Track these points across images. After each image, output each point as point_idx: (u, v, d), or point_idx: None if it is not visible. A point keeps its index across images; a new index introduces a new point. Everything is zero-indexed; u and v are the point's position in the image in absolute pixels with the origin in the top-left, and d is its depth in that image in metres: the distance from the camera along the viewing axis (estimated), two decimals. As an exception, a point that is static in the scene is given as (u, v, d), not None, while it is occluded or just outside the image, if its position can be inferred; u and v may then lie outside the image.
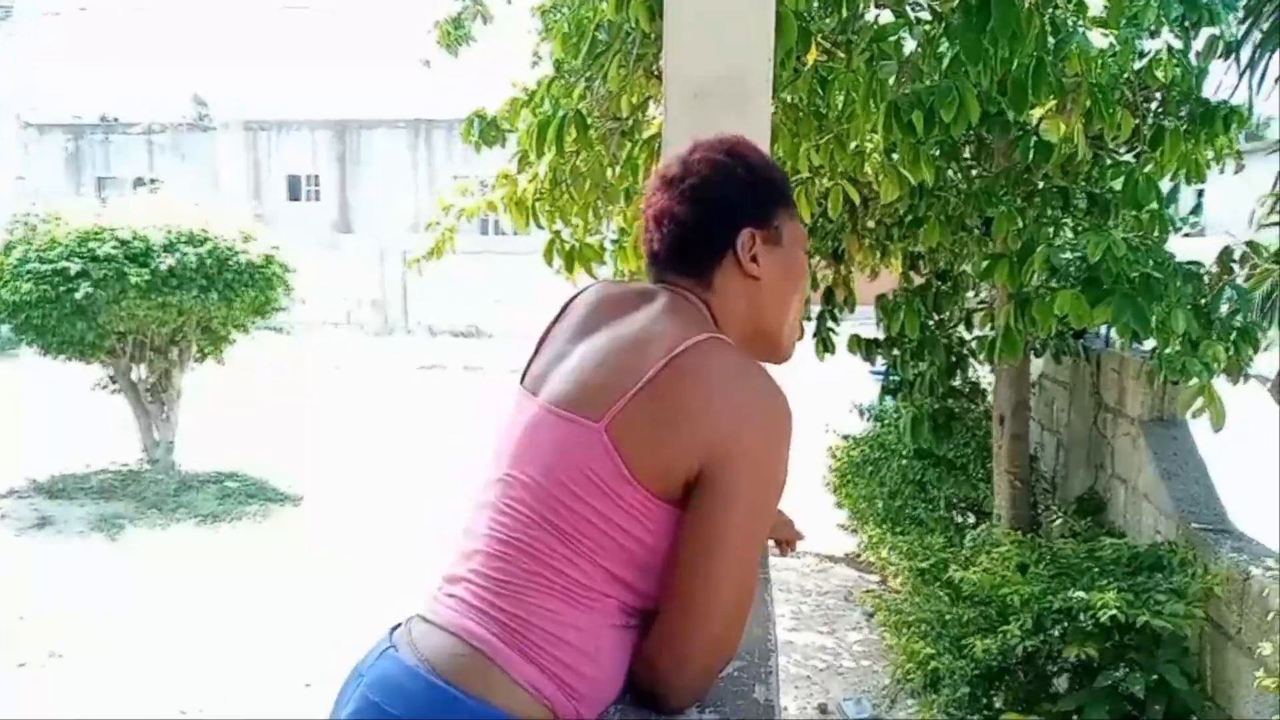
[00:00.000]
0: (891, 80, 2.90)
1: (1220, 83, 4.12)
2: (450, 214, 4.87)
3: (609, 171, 3.58)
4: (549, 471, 1.20)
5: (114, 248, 7.80)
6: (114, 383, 8.61)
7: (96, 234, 7.88)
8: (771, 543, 2.00)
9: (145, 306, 7.89)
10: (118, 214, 8.37)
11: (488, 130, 3.85)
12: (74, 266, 7.64)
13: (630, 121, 3.31)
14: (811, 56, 3.35)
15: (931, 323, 4.88)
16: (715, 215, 1.31)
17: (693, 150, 1.36)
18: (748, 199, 1.32)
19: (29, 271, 7.64)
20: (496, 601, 1.18)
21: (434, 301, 18.84)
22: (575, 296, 1.42)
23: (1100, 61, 2.93)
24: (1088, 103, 3.00)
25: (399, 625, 1.27)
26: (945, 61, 2.94)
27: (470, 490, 1.34)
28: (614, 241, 4.20)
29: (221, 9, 23.02)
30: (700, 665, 1.20)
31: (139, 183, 16.78)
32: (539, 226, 3.76)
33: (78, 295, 7.60)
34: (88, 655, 5.00)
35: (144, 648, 5.07)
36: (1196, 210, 4.33)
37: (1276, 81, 4.01)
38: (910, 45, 3.11)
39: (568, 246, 3.74)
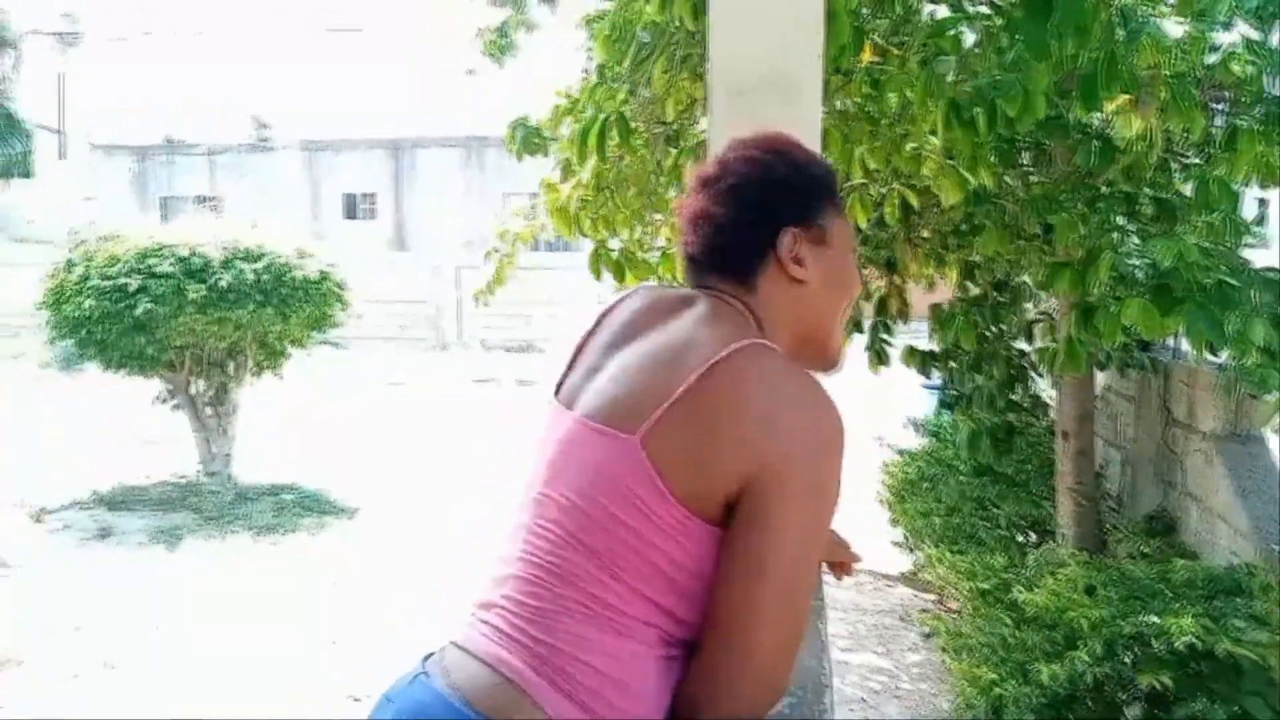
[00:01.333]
0: (950, 77, 2.78)
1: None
2: (507, 240, 4.85)
3: (655, 178, 3.51)
4: (583, 489, 1.14)
5: (172, 264, 7.93)
6: (173, 396, 8.74)
7: (156, 251, 8.01)
8: (825, 566, 1.90)
9: (203, 321, 8.00)
10: (176, 232, 8.51)
11: (530, 138, 3.81)
12: (134, 283, 7.78)
13: (676, 126, 3.24)
14: (866, 57, 3.25)
15: (990, 334, 4.72)
16: (755, 215, 1.25)
17: (730, 148, 1.30)
18: (790, 197, 1.27)
19: (90, 288, 7.79)
20: (529, 629, 1.13)
21: (487, 317, 18.96)
22: (613, 305, 1.35)
23: (1177, 52, 2.78)
24: (1164, 96, 2.84)
25: (432, 654, 1.23)
26: (1007, 57, 2.82)
27: (507, 510, 1.28)
28: (661, 251, 4.13)
29: (279, 33, 23.53)
30: (745, 705, 1.11)
31: (200, 201, 17.14)
32: (583, 235, 3.70)
33: (137, 311, 7.73)
34: (140, 666, 5.02)
35: (195, 659, 5.08)
36: (1261, 220, 4.13)
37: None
38: (969, 41, 2.99)
39: (614, 257, 3.67)
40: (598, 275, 3.67)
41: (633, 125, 3.06)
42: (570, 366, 1.30)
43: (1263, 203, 4.38)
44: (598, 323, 1.33)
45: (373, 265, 18.63)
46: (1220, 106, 4.19)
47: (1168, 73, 2.80)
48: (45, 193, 23.19)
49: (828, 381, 1.34)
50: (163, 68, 23.87)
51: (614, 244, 3.87)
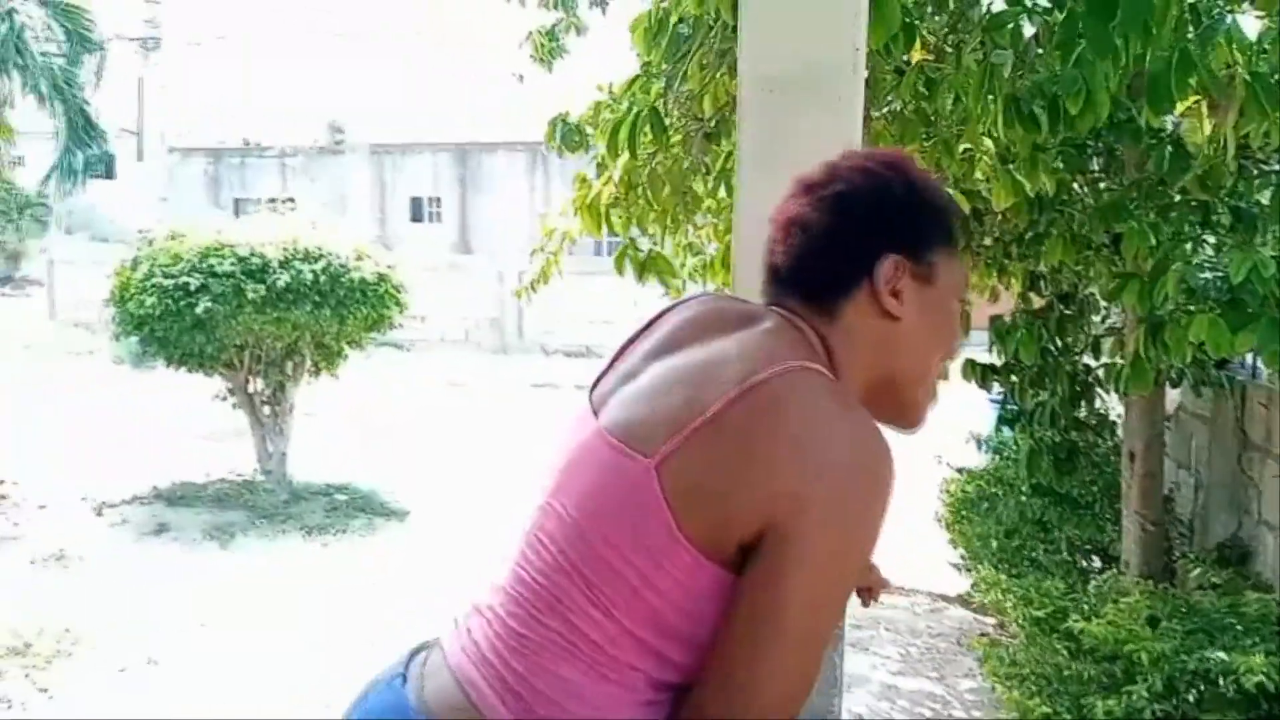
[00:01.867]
0: (1007, 72, 2.62)
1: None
2: (555, 238, 4.79)
3: (691, 178, 3.40)
4: (586, 508, 1.04)
5: (232, 264, 8.04)
6: (232, 395, 8.87)
7: (216, 250, 8.14)
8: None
9: (261, 321, 8.10)
10: (238, 231, 8.64)
11: (570, 135, 3.73)
12: (194, 282, 7.90)
13: (714, 123, 3.12)
14: (917, 55, 3.10)
15: (1053, 348, 4.51)
16: (857, 231, 1.12)
17: (845, 156, 1.19)
18: (901, 221, 1.12)
19: (153, 286, 7.94)
20: (509, 658, 1.05)
21: (548, 321, 19.01)
22: (669, 309, 1.22)
23: (1256, 51, 2.58)
24: (1243, 97, 2.64)
25: (421, 648, 1.19)
26: (1069, 53, 2.65)
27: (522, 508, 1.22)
28: (694, 253, 4.02)
29: (348, 36, 23.95)
30: None
31: (271, 203, 17.50)
32: (612, 234, 3.60)
33: (198, 309, 7.85)
34: (181, 663, 5.06)
35: (238, 657, 5.10)
36: None
37: None
38: (1028, 33, 2.82)
39: (639, 256, 3.55)
40: (620, 272, 3.56)
41: (667, 122, 2.95)
42: (609, 368, 1.21)
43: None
44: (648, 325, 1.21)
45: (438, 269, 18.81)
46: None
47: (1245, 73, 2.60)
48: (124, 194, 23.94)
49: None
50: (237, 72, 24.46)
51: (645, 243, 3.76)
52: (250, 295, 7.94)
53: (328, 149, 24.54)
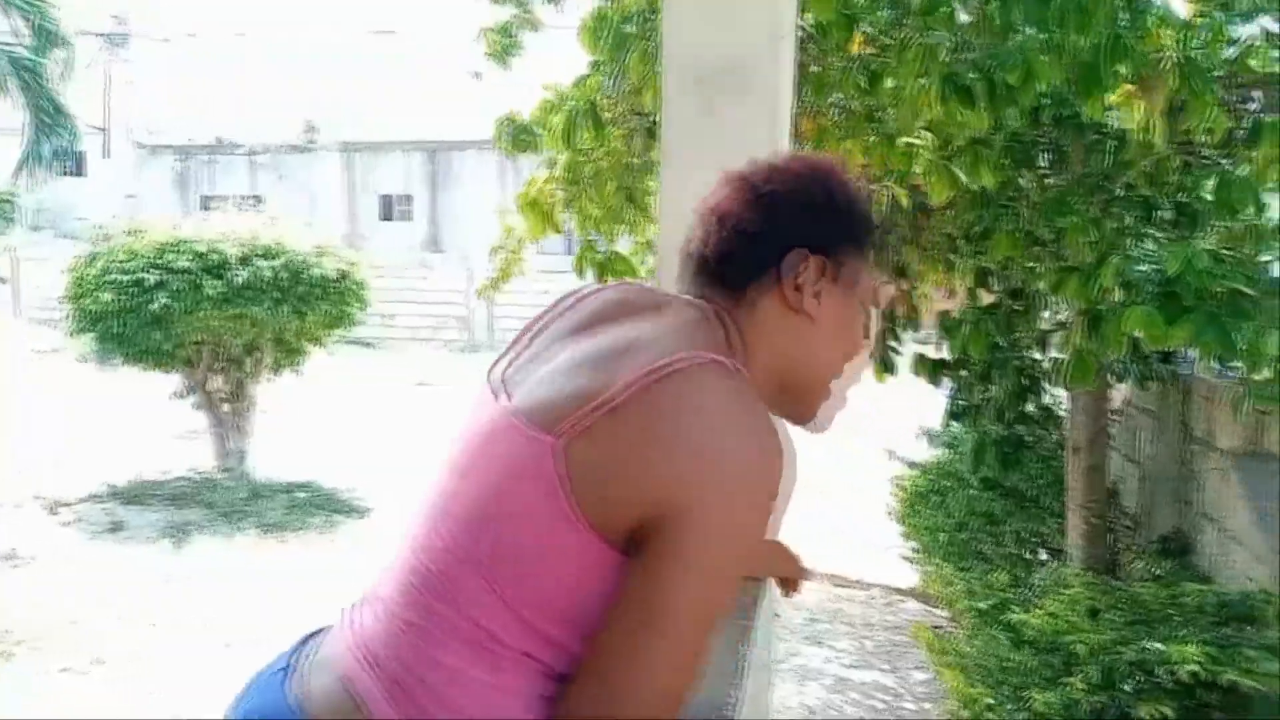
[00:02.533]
0: (943, 55, 2.62)
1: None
2: (513, 236, 4.77)
3: (641, 176, 3.40)
4: (484, 489, 1.02)
5: (190, 260, 7.96)
6: (190, 393, 8.78)
7: (174, 246, 8.06)
8: (774, 582, 1.78)
9: (219, 318, 8.03)
10: (197, 228, 8.56)
11: (519, 135, 3.71)
12: (151, 278, 7.82)
13: (655, 118, 3.12)
14: (855, 46, 3.11)
15: (1002, 344, 4.54)
16: (782, 229, 1.13)
17: (776, 157, 1.22)
18: (825, 223, 1.15)
19: (109, 282, 7.85)
20: (397, 649, 1.02)
21: (517, 320, 18.93)
22: (583, 294, 1.20)
23: (1187, 35, 2.60)
24: (1172, 83, 2.65)
25: (319, 631, 1.17)
26: (1008, 32, 2.66)
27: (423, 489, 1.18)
28: (653, 251, 4.00)
29: (320, 34, 23.78)
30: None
31: (240, 201, 17.33)
32: (555, 231, 3.59)
33: (154, 306, 7.77)
34: (130, 662, 5.00)
35: (186, 656, 5.05)
36: None
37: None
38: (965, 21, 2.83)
39: (598, 257, 3.55)
40: (580, 274, 3.56)
41: (606, 116, 2.94)
42: (512, 350, 1.17)
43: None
44: (555, 308, 1.19)
45: (408, 267, 18.71)
46: (1252, 107, 3.99)
47: (1176, 56, 2.61)
48: (92, 191, 23.66)
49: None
50: (206, 69, 24.23)
51: (602, 244, 3.76)
52: (208, 291, 7.87)
53: (298, 147, 24.36)
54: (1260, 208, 3.67)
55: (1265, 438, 3.97)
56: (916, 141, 3.29)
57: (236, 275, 7.97)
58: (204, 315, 7.96)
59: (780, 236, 1.13)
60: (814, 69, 3.55)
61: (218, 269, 8.04)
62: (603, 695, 0.96)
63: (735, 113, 2.07)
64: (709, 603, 0.98)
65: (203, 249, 8.05)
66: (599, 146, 3.16)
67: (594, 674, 0.97)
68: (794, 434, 1.34)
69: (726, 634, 1.51)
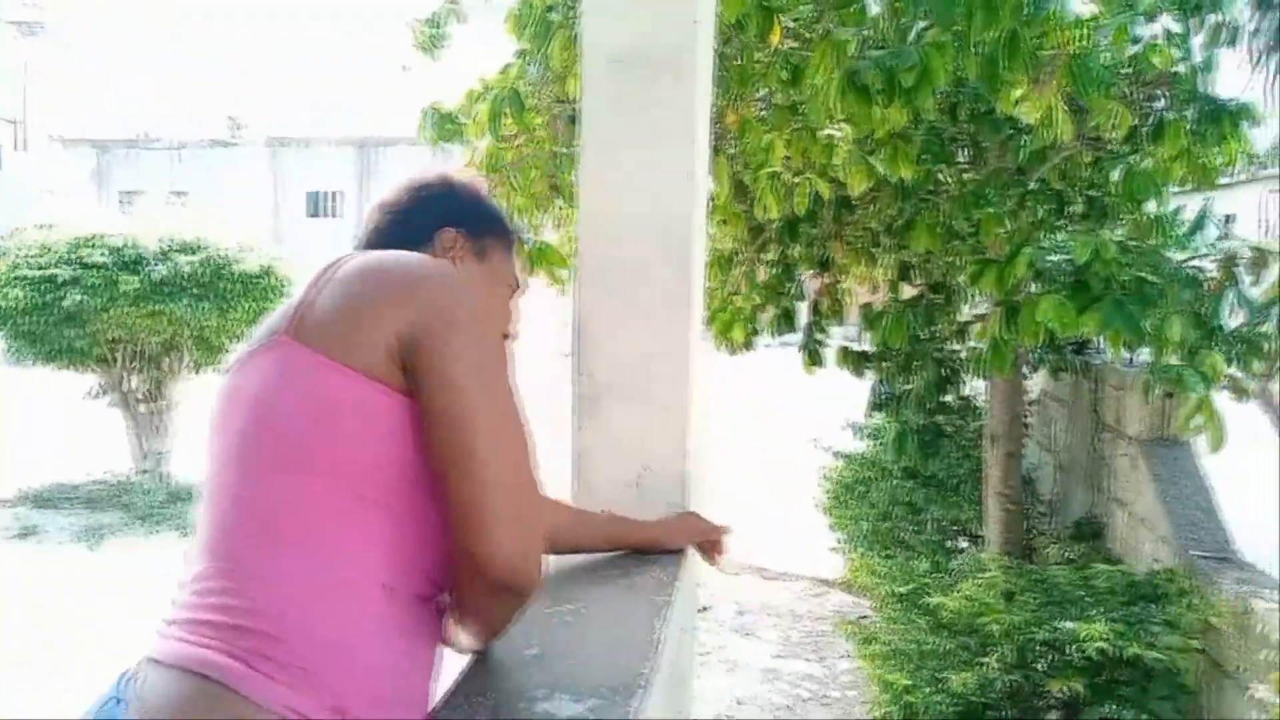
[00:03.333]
0: (852, 49, 2.67)
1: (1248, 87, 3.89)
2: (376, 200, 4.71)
3: (567, 166, 3.39)
4: (249, 413, 1.03)
5: (105, 255, 7.73)
6: (106, 392, 8.53)
7: (88, 241, 7.82)
8: (697, 551, 1.80)
9: (136, 315, 7.81)
10: (113, 223, 8.32)
11: (443, 124, 3.67)
12: (64, 273, 7.58)
13: (578, 105, 3.12)
14: (775, 37, 3.14)
15: (922, 336, 4.63)
16: (427, 206, 1.31)
17: (429, 173, 1.40)
18: (462, 208, 1.33)
19: (19, 278, 7.59)
20: (218, 601, 0.98)
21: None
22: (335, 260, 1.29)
23: (1081, 34, 2.69)
24: (1064, 77, 2.75)
25: (127, 672, 1.05)
26: (913, 33, 2.71)
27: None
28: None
29: (247, 29, 23.29)
30: (508, 520, 1.03)
31: (163, 196, 16.88)
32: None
33: (66, 302, 7.53)
34: (34, 666, 4.84)
35: (93, 660, 4.90)
36: (1198, 227, 4.07)
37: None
38: (875, 14, 2.89)
39: (527, 248, 3.53)
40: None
41: (530, 104, 2.93)
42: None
43: (1203, 213, 4.33)
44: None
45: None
46: (1159, 105, 4.13)
47: (1073, 51, 2.70)
48: (5, 187, 22.82)
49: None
50: (126, 61, 23.55)
51: (529, 236, 3.74)
52: (124, 288, 7.64)
53: (221, 142, 23.81)
54: (1163, 200, 3.81)
55: (1169, 424, 4.12)
56: (836, 134, 3.34)
57: (155, 271, 7.76)
58: (120, 312, 7.73)
59: (433, 218, 1.29)
60: (738, 62, 3.58)
61: (135, 264, 7.82)
62: (466, 477, 1.01)
63: (654, 96, 2.08)
64: (496, 380, 1.05)
65: (119, 244, 7.83)
66: (522, 133, 3.15)
67: (451, 470, 1.01)
68: (721, 434, 1.43)
69: (642, 611, 1.53)
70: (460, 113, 3.84)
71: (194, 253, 8.03)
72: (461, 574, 1.06)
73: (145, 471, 8.41)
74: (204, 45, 23.30)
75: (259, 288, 8.40)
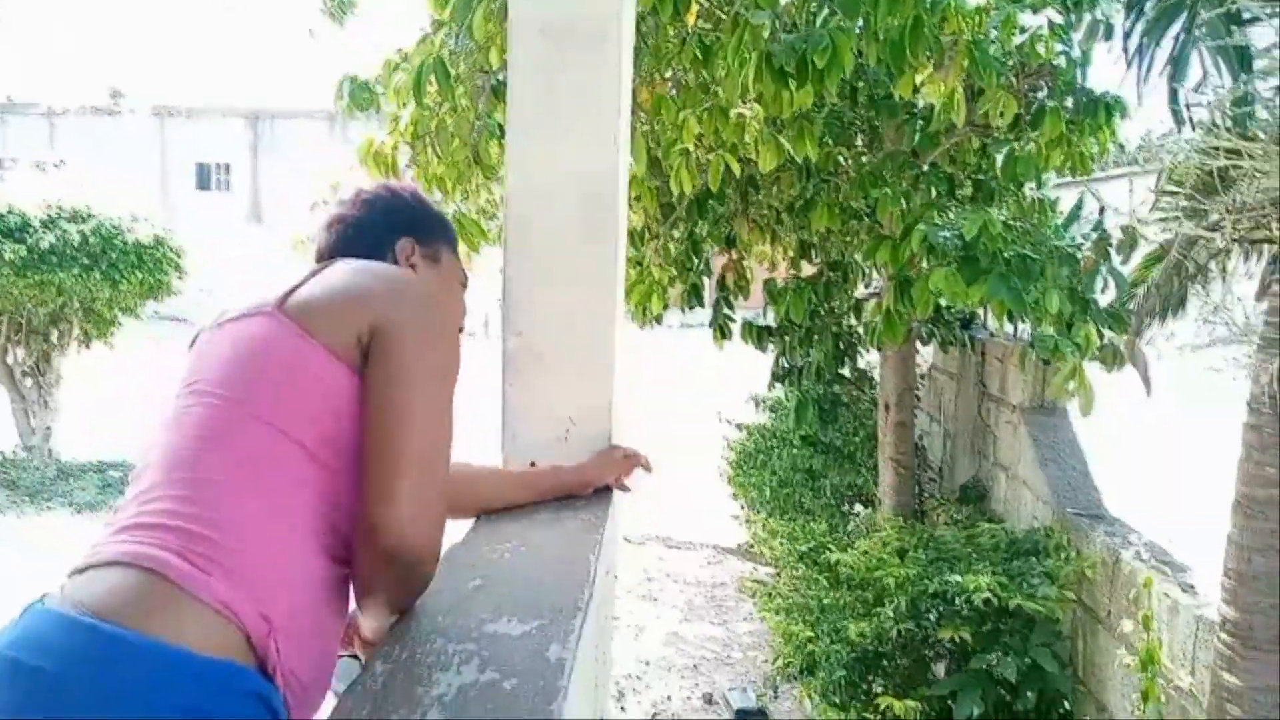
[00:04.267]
0: (767, 32, 2.81)
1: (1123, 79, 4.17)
2: (339, 193, 4.69)
3: (484, 138, 3.45)
4: (226, 363, 1.14)
5: (-14, 222, 7.40)
6: (-13, 366, 8.18)
7: (-32, 207, 7.47)
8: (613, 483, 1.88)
9: (21, 285, 7.50)
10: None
11: (358, 93, 3.68)
12: (-59, 241, 7.23)
13: (500, 76, 3.18)
14: (691, 17, 3.26)
15: (821, 311, 4.85)
16: (380, 219, 1.41)
17: (368, 186, 1.49)
18: (413, 216, 1.44)
19: (-109, 245, 7.20)
20: (168, 507, 1.03)
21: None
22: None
23: (978, 21, 2.89)
24: (964, 61, 2.95)
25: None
26: (821, 18, 2.87)
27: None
28: (489, 217, 4.08)
29: (131, -11, 22.28)
30: (411, 495, 1.12)
31: (39, 165, 15.99)
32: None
33: (-56, 271, 7.20)
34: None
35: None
36: (1069, 222, 4.37)
37: (1160, 73, 4.06)
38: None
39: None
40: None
41: (454, 73, 2.98)
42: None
43: (1079, 203, 4.64)
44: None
45: (227, 240, 17.87)
46: (1041, 95, 4.41)
47: (969, 38, 2.90)
48: None
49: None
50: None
51: (450, 207, 3.78)
52: (8, 256, 7.32)
53: (103, 109, 22.76)
54: (1041, 182, 4.08)
55: (1047, 392, 4.41)
56: (747, 113, 3.48)
57: (40, 239, 7.46)
58: (2, 282, 7.41)
59: (388, 228, 1.40)
60: (652, 40, 3.69)
61: (18, 232, 7.50)
62: (382, 448, 1.10)
63: (579, 64, 2.16)
64: (437, 365, 1.17)
65: (0, 210, 7.49)
66: (446, 101, 3.20)
67: (371, 442, 1.11)
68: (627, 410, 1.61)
69: (575, 547, 1.64)
70: (377, 82, 3.85)
71: (83, 221, 7.75)
72: (361, 540, 1.12)
73: (31, 448, 8.10)
74: (83, 5, 22.20)
75: (152, 258, 8.16)
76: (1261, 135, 2.00)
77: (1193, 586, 3.19)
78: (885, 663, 3.84)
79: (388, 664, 1.14)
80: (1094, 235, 3.99)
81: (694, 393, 9.80)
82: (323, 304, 1.16)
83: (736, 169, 3.71)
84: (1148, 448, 5.03)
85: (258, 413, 1.09)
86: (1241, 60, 2.94)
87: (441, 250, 1.45)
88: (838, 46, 2.67)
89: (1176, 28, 3.30)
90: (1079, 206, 5.05)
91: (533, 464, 1.87)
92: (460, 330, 1.47)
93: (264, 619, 1.01)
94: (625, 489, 1.82)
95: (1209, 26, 3.11)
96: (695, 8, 3.25)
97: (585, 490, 1.82)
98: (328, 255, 1.39)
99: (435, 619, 1.28)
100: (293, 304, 1.15)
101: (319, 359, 1.12)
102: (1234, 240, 2.08)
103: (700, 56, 3.53)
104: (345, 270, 1.22)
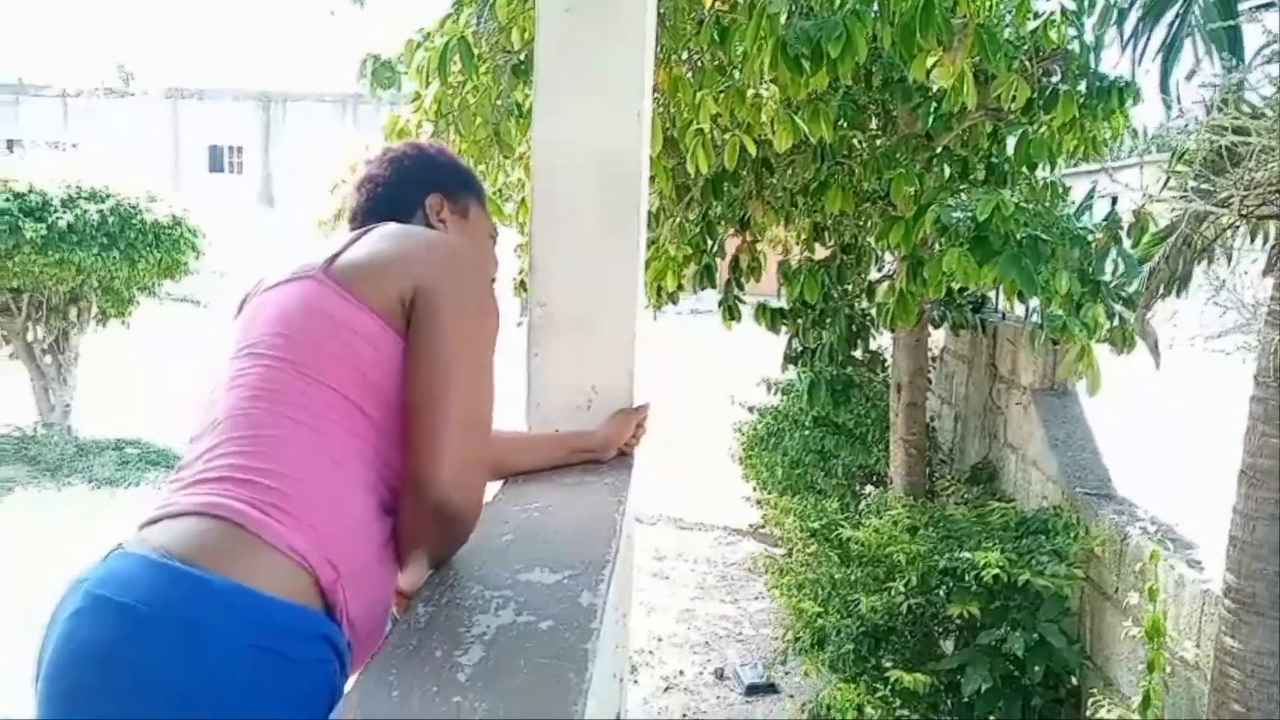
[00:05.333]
0: (783, 19, 2.86)
1: (1116, 63, 4.21)
2: (356, 173, 4.75)
3: (505, 117, 3.50)
4: (277, 324, 1.19)
5: (7, 200, 7.47)
6: (7, 343, 8.27)
7: (-11, 186, 7.54)
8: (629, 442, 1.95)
9: (41, 263, 7.58)
10: (14, 169, 8.02)
11: (381, 71, 3.74)
12: (-39, 219, 7.32)
13: (522, 55, 3.24)
14: (707, 1, 3.31)
15: (835, 293, 4.90)
16: (409, 176, 1.45)
17: (395, 145, 1.54)
18: (440, 173, 1.48)
19: (-87, 223, 7.29)
20: (236, 461, 1.10)
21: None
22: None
23: (988, 4, 2.93)
24: (973, 44, 2.99)
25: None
26: (837, 3, 2.92)
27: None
28: (504, 198, 4.14)
29: (144, -29, 22.31)
30: (456, 452, 1.17)
31: (52, 146, 16.11)
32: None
33: (-35, 250, 7.28)
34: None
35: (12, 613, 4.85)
36: (1081, 211, 4.41)
37: (1155, 55, 4.09)
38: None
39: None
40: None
41: (477, 53, 3.04)
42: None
43: (1090, 194, 4.67)
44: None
45: (239, 222, 17.93)
46: (1055, 79, 4.45)
47: (979, 21, 2.94)
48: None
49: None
50: (9, 3, 22.33)
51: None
52: (29, 234, 7.40)
53: (115, 91, 22.83)
54: (1054, 164, 4.11)
55: (1058, 373, 4.46)
56: (764, 94, 3.53)
57: (60, 218, 7.54)
58: (23, 260, 7.50)
59: (416, 184, 1.44)
60: (670, 22, 3.74)
61: (39, 211, 7.57)
62: (429, 408, 1.16)
63: (603, 39, 2.22)
64: (477, 331, 1.21)
65: (22, 189, 7.57)
66: (469, 80, 3.25)
67: (416, 402, 1.17)
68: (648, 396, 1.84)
69: (601, 506, 1.70)
70: (400, 61, 3.91)
71: (102, 200, 7.82)
72: (406, 496, 1.18)
73: (50, 424, 8.21)
74: (96, -11, 22.26)
75: (170, 238, 8.24)
76: (1269, 113, 2.05)
77: (1199, 563, 3.25)
78: (894, 637, 3.91)
79: (429, 607, 1.21)
80: (1105, 220, 4.04)
81: (705, 378, 9.86)
82: (366, 268, 1.20)
83: (752, 149, 3.76)
84: (1155, 428, 5.06)
85: (311, 372, 1.16)
86: (1234, 48, 2.98)
87: (470, 204, 1.49)
88: (851, 34, 2.72)
89: (1170, 14, 3.33)
90: (1091, 195, 5.08)
91: (556, 431, 1.95)
92: (492, 281, 1.51)
93: (331, 566, 1.08)
94: (638, 437, 1.88)
95: (1204, 12, 3.15)
96: (714, -10, 3.29)
97: (607, 453, 1.90)
98: (360, 215, 1.44)
99: (471, 569, 1.35)
100: (337, 268, 1.20)
101: (365, 320, 1.17)
102: (1242, 216, 2.12)
103: (718, 39, 3.58)
104: (385, 234, 1.26)
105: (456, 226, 1.45)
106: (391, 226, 1.30)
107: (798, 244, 5.34)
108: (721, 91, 3.70)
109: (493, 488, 1.72)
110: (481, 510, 1.29)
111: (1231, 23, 3.62)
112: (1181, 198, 2.63)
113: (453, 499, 1.18)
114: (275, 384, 1.16)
